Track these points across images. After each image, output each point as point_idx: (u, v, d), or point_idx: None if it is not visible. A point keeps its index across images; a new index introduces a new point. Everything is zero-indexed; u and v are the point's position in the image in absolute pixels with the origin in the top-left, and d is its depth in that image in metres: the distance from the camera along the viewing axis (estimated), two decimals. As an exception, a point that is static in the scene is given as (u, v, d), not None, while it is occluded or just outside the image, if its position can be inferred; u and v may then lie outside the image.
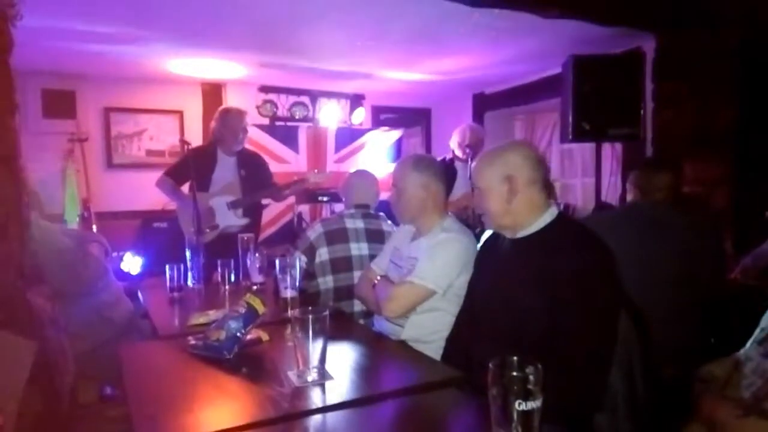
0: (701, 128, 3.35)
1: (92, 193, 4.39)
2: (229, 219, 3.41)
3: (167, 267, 2.23)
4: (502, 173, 1.54)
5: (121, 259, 4.05)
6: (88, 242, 2.42)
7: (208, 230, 3.35)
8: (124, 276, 3.84)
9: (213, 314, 1.86)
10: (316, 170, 4.00)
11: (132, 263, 4.12)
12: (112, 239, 2.51)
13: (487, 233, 1.78)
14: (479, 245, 1.90)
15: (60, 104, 4.63)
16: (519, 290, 1.49)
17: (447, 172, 3.99)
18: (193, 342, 1.55)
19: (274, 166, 4.55)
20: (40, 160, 4.27)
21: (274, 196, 3.84)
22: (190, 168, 2.91)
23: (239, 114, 3.54)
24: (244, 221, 3.42)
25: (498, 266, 1.64)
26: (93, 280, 2.23)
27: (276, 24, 3.48)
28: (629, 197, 2.40)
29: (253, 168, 3.57)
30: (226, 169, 3.51)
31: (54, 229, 2.26)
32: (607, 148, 4.09)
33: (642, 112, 3.51)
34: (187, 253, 2.39)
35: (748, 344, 1.39)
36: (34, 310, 1.72)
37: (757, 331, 1.38)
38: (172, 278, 2.23)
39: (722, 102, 3.25)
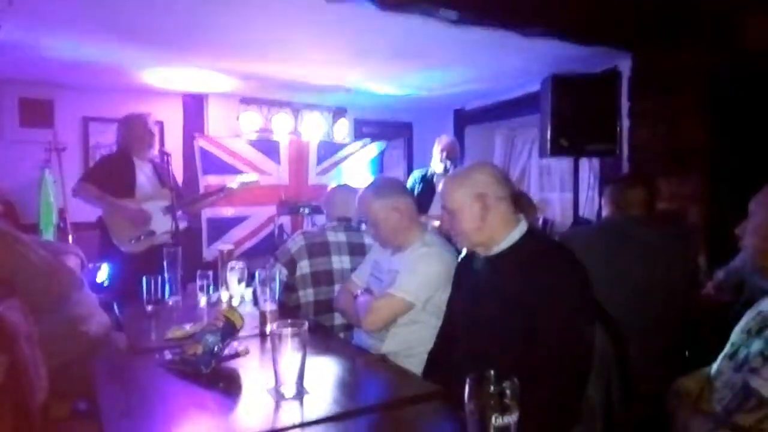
0: (676, 145, 3.43)
1: (69, 204, 4.31)
2: (166, 225, 3.26)
3: (144, 278, 2.20)
4: (472, 192, 1.57)
5: (97, 270, 3.97)
6: (64, 254, 2.37)
7: (143, 237, 3.27)
8: (99, 288, 3.77)
9: (190, 328, 1.84)
10: (237, 179, 3.95)
11: (108, 275, 4.04)
12: (88, 250, 2.46)
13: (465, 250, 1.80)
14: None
15: (38, 113, 4.56)
16: (496, 309, 1.52)
17: (423, 182, 4.12)
18: (169, 356, 1.53)
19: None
20: (17, 170, 4.21)
21: (202, 203, 3.97)
22: (111, 173, 2.84)
23: (140, 118, 3.48)
24: (183, 226, 3.28)
25: (474, 285, 1.66)
26: (68, 292, 2.18)
27: (255, 40, 3.49)
28: (605, 212, 2.45)
29: (171, 176, 3.41)
30: (148, 176, 3.46)
31: (27, 240, 2.21)
32: (585, 163, 4.17)
33: (618, 129, 3.59)
34: (165, 265, 2.36)
35: (719, 359, 1.41)
36: (6, 325, 1.68)
37: (728, 345, 1.41)
38: (148, 290, 2.20)
39: (696, 120, 3.33)
